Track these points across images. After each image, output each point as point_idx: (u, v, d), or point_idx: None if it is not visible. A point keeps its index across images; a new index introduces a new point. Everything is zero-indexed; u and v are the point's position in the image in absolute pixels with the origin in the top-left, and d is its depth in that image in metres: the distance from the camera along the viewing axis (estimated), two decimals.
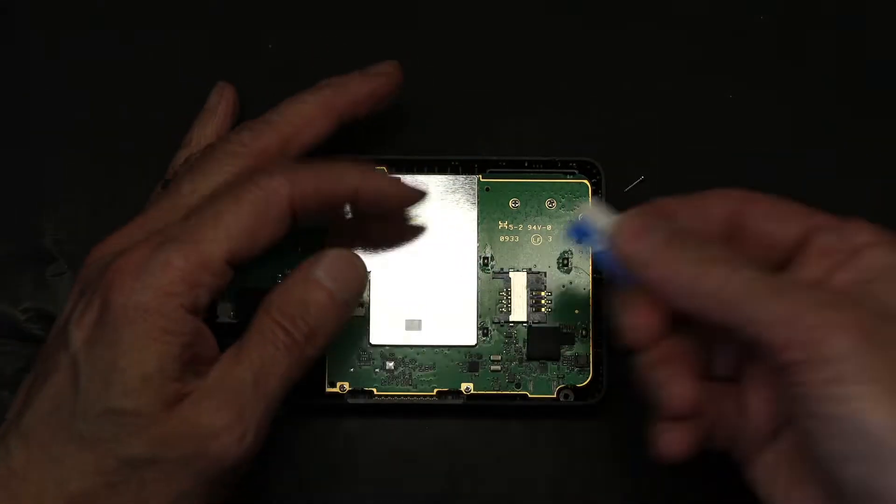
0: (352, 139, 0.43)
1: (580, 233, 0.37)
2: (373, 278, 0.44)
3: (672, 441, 0.36)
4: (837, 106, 0.46)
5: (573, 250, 0.44)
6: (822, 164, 0.46)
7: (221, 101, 0.45)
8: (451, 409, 0.43)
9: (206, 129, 0.44)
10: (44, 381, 0.36)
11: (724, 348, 0.38)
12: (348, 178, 0.39)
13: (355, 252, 0.39)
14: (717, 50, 0.46)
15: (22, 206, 0.45)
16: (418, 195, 0.41)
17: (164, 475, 0.36)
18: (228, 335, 0.38)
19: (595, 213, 0.37)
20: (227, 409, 0.36)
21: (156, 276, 0.36)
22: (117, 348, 0.35)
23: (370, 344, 0.43)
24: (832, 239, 0.35)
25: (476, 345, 0.43)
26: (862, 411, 0.31)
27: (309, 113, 0.41)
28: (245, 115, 0.46)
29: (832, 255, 0.35)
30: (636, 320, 0.36)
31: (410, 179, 0.44)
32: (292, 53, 0.46)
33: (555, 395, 0.43)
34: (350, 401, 0.43)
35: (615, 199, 0.45)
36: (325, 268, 0.38)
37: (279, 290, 0.38)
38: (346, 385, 0.43)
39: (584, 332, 0.43)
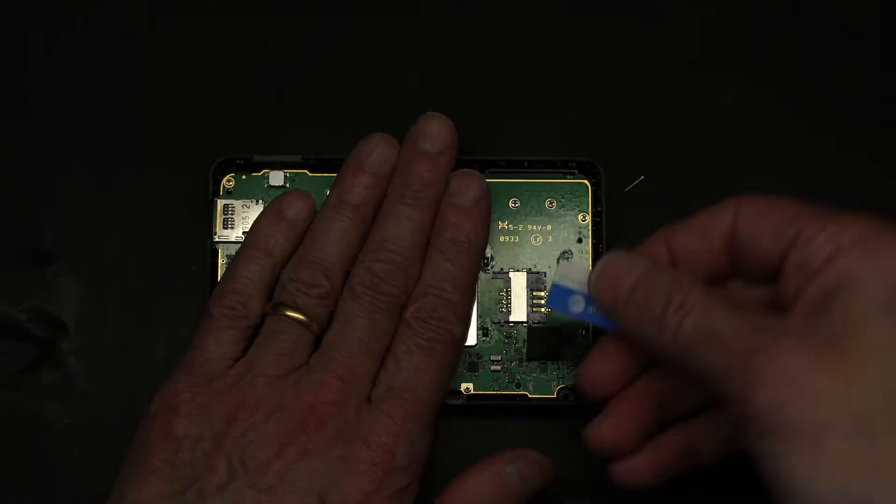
0: (355, 142, 0.43)
1: (561, 296, 0.38)
2: None
3: (627, 471, 0.38)
4: (837, 106, 0.46)
5: (573, 250, 0.44)
6: (822, 164, 0.46)
7: (304, 213, 0.42)
8: (451, 409, 0.43)
9: (288, 243, 0.41)
10: None
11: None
12: None
13: None
14: (717, 50, 0.46)
15: (22, 206, 0.45)
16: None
17: None
18: None
19: (569, 271, 0.38)
20: None
21: (411, 466, 0.38)
22: None
23: None
24: (808, 250, 0.34)
25: (476, 345, 0.43)
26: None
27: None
28: (242, 116, 0.46)
29: (806, 268, 0.34)
30: (601, 369, 0.38)
31: None
32: (292, 54, 0.46)
33: (555, 395, 0.43)
34: None
35: (615, 199, 0.45)
36: (520, 470, 0.39)
37: (471, 490, 0.39)
38: None
39: (583, 332, 0.43)
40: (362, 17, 0.47)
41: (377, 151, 0.42)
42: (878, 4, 0.47)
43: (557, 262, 0.44)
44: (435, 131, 0.41)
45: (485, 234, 0.42)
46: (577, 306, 0.38)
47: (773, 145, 0.46)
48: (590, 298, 0.38)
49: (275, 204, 0.42)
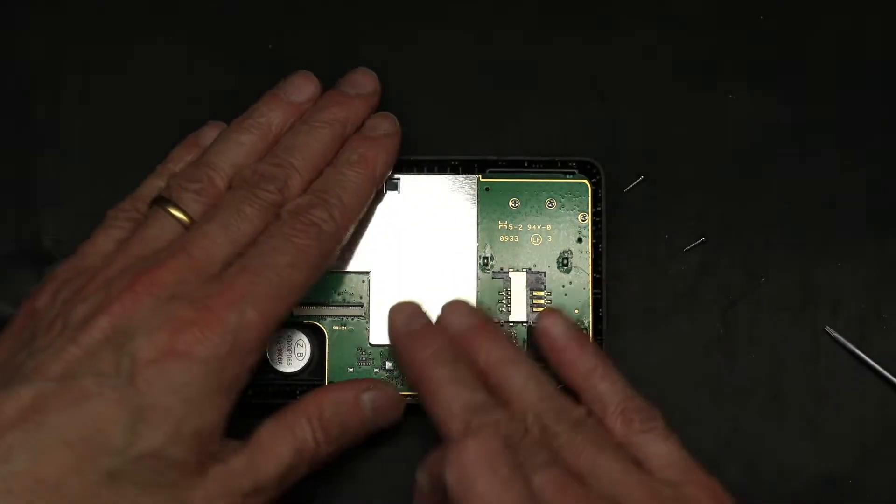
0: None
1: None
2: (372, 278, 0.44)
3: None
4: (837, 106, 0.46)
5: (573, 250, 0.44)
6: (822, 164, 0.45)
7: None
8: None
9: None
10: (74, 404, 0.35)
11: None
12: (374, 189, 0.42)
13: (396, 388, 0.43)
14: (717, 50, 0.46)
15: (22, 206, 0.45)
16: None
17: None
18: None
19: None
20: (251, 498, 0.38)
21: (235, 340, 0.37)
22: (181, 399, 0.36)
23: (370, 344, 0.43)
24: None
25: None
26: None
27: (324, 153, 0.42)
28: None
29: None
30: None
31: (411, 179, 0.44)
32: (292, 53, 0.46)
33: None
34: None
35: (615, 199, 0.45)
36: (373, 399, 0.41)
37: (326, 399, 0.40)
38: None
39: (585, 329, 0.43)
40: (362, 16, 0.47)
41: (295, 82, 0.43)
42: (877, 6, 0.47)
43: (557, 262, 0.44)
44: (356, 78, 0.43)
45: (385, 161, 0.42)
46: None
47: (773, 145, 0.46)
48: None
49: (191, 135, 0.43)
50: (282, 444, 0.39)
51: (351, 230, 0.42)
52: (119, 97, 0.46)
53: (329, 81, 0.45)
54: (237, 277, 0.38)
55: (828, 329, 0.44)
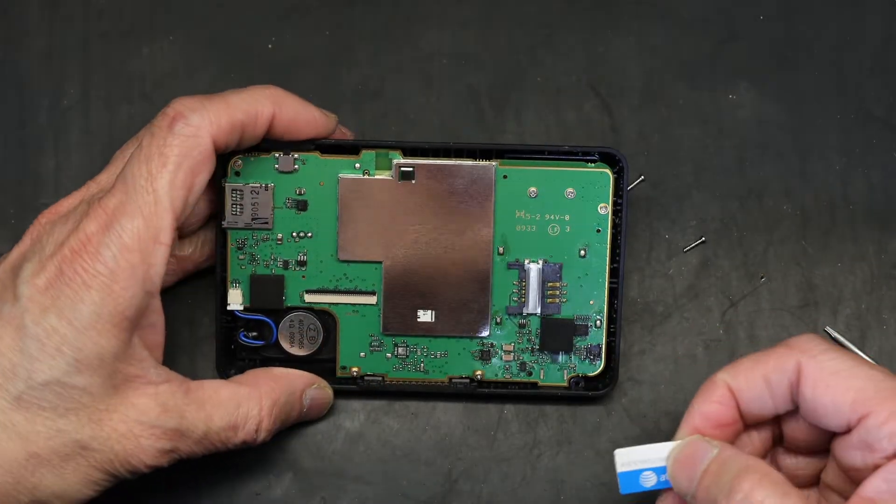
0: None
1: (630, 480, 0.38)
2: (386, 266, 0.43)
3: None
4: (837, 105, 0.46)
5: (591, 241, 0.43)
6: (822, 164, 0.45)
7: None
8: (462, 396, 0.44)
9: None
10: None
11: None
12: (264, 109, 0.39)
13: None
14: (717, 50, 0.46)
15: (22, 206, 0.45)
16: (329, 121, 0.41)
17: (87, 462, 0.37)
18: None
19: (627, 457, 0.38)
20: (166, 440, 0.38)
21: (116, 259, 0.36)
22: (74, 325, 0.36)
23: (383, 332, 0.43)
24: (875, 436, 0.35)
25: (489, 335, 0.43)
26: None
27: (259, 106, 0.39)
28: None
29: (871, 453, 0.35)
30: None
31: (426, 165, 0.42)
32: (292, 53, 0.45)
33: (566, 384, 0.44)
34: (362, 383, 0.43)
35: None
36: (313, 397, 0.43)
37: (282, 385, 0.41)
38: (357, 370, 0.43)
39: (598, 323, 0.43)
40: (361, 16, 0.46)
41: None
42: (876, 6, 0.46)
43: (575, 253, 0.43)
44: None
45: (294, 104, 0.40)
46: (649, 481, 0.38)
47: (773, 145, 0.45)
48: (659, 470, 0.38)
49: None
50: (222, 411, 0.39)
51: (231, 131, 0.38)
52: (119, 97, 0.45)
53: (328, 81, 0.45)
54: (109, 197, 0.37)
55: (828, 329, 0.45)
